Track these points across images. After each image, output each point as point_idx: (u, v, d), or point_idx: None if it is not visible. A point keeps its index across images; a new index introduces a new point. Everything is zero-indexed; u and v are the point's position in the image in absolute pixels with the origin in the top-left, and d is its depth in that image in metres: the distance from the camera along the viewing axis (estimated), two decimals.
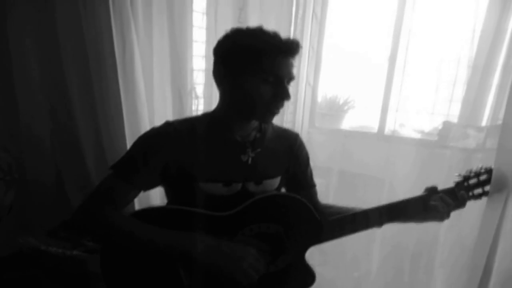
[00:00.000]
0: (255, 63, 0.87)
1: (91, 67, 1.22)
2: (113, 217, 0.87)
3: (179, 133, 0.93)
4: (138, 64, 1.23)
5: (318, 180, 1.18)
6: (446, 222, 0.99)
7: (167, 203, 1.03)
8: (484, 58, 1.63)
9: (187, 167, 0.92)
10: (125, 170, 0.91)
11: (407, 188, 1.11)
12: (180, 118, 1.01)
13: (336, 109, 2.08)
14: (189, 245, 0.85)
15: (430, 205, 0.98)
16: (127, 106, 1.23)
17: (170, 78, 1.44)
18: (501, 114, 1.49)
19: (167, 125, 0.95)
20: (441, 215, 0.97)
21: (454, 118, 1.65)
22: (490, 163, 1.02)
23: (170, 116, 1.41)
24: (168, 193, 1.01)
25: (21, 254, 1.31)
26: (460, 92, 1.65)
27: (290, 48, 0.88)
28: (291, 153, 1.08)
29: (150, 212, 0.94)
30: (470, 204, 1.01)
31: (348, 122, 2.12)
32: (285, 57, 0.89)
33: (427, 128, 1.74)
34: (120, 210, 0.90)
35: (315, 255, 1.06)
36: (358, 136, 1.97)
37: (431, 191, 1.01)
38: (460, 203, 1.00)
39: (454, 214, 1.00)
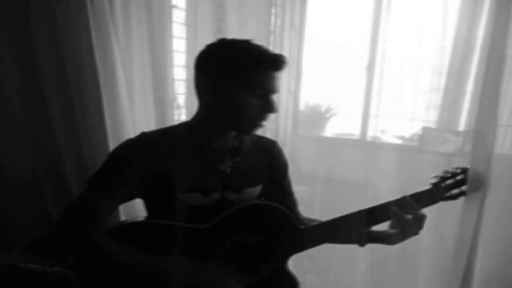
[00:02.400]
0: (244, 77, 0.87)
1: (70, 78, 1.18)
2: (89, 237, 0.84)
3: (155, 143, 0.91)
4: (120, 75, 1.21)
5: (302, 187, 1.18)
6: (428, 223, 0.99)
7: (147, 215, 1.00)
8: (458, 65, 1.69)
9: (164, 178, 0.90)
10: (101, 184, 0.88)
11: (391, 193, 1.12)
12: (156, 129, 0.99)
13: (319, 116, 2.10)
14: (166, 269, 0.85)
15: (391, 209, 0.97)
16: (110, 117, 1.20)
17: (151, 88, 1.42)
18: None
19: (143, 135, 0.93)
20: (406, 224, 0.96)
21: (432, 123, 1.69)
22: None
23: (153, 126, 1.38)
24: (147, 204, 0.98)
25: None
26: (437, 98, 1.70)
27: (279, 62, 0.88)
28: (269, 161, 1.07)
29: (128, 228, 0.91)
30: (449, 205, 1.03)
31: (331, 129, 2.14)
32: (273, 71, 0.89)
33: (407, 133, 1.78)
34: (98, 225, 0.86)
35: (304, 263, 1.06)
36: (341, 142, 2.00)
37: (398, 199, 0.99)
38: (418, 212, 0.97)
39: (434, 216, 1.02)
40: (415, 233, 0.97)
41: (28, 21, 1.15)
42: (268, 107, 0.90)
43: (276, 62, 0.88)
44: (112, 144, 1.18)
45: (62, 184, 1.31)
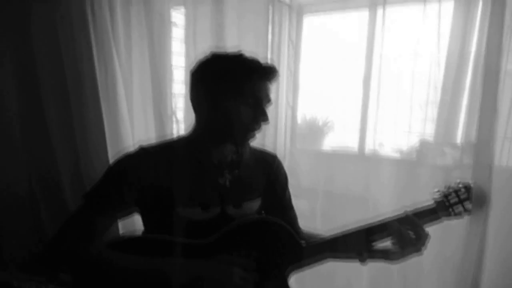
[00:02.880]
0: (236, 87, 0.89)
1: (70, 90, 1.19)
2: (85, 252, 0.83)
3: (152, 157, 0.91)
4: (120, 89, 1.22)
5: (302, 201, 1.18)
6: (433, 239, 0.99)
7: (144, 230, 0.99)
8: (452, 79, 1.72)
9: (162, 193, 0.90)
10: (97, 199, 0.87)
11: (391, 207, 1.12)
12: (154, 142, 0.99)
13: (316, 130, 2.11)
14: (174, 271, 0.83)
15: (393, 227, 0.97)
16: (110, 130, 1.20)
17: (151, 102, 1.43)
18: (473, 132, 1.56)
19: (141, 150, 0.93)
20: (409, 243, 0.96)
21: (429, 137, 1.70)
22: (468, 179, 1.05)
23: (152, 140, 1.39)
24: (144, 220, 0.98)
25: None
26: (433, 111, 1.72)
27: (269, 72, 0.91)
28: (269, 174, 1.08)
29: (126, 243, 0.90)
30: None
31: (328, 143, 2.15)
32: (264, 81, 0.91)
33: (405, 147, 1.79)
34: (95, 241, 0.85)
35: (302, 280, 1.05)
36: (340, 156, 1.99)
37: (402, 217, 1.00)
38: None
39: (438, 231, 1.01)
40: (418, 251, 0.96)
41: (29, 36, 1.17)
42: (260, 117, 0.91)
43: (266, 71, 0.90)
44: (112, 157, 1.18)
45: (58, 198, 1.30)
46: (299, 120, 2.14)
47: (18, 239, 1.35)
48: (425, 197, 1.08)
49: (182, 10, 1.65)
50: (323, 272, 1.04)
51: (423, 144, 1.67)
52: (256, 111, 0.91)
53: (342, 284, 1.55)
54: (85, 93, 1.17)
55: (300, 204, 1.18)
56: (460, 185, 1.03)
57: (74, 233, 0.84)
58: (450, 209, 1.01)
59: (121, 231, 1.20)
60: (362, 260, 1.02)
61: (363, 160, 1.81)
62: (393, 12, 1.74)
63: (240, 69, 0.89)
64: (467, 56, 1.69)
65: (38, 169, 1.30)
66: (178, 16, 1.70)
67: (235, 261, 0.89)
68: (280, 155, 1.91)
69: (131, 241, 0.91)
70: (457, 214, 1.01)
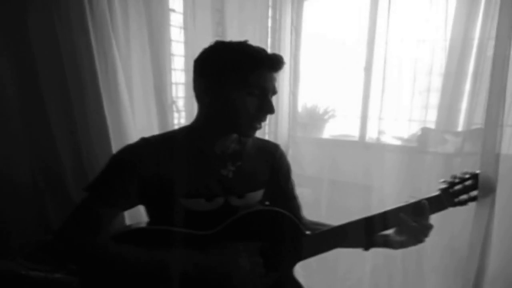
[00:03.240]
0: (242, 77, 0.87)
1: (69, 80, 1.17)
2: (92, 244, 0.82)
3: (155, 149, 0.90)
4: (121, 79, 1.20)
5: (305, 189, 1.17)
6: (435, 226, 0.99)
7: (148, 222, 0.99)
8: (455, 65, 1.70)
9: (166, 184, 0.89)
10: (100, 191, 0.86)
11: (394, 194, 1.12)
12: (157, 134, 0.98)
13: (317, 118, 2.10)
14: (179, 264, 0.82)
15: (399, 217, 0.97)
16: (113, 121, 1.19)
17: (150, 92, 1.41)
18: (475, 119, 1.56)
19: (143, 141, 0.92)
20: (413, 232, 0.96)
21: (431, 124, 1.70)
22: (469, 166, 1.05)
23: (153, 130, 1.37)
24: (148, 211, 0.97)
25: None
26: (435, 99, 1.71)
27: (276, 62, 0.88)
28: (271, 165, 1.07)
29: (131, 234, 0.89)
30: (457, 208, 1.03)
31: (329, 131, 2.14)
32: (270, 72, 0.89)
33: (406, 134, 1.78)
34: (100, 233, 0.84)
35: (307, 266, 1.05)
36: (342, 144, 1.99)
37: (407, 205, 1.00)
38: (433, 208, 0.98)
39: (442, 218, 1.02)
40: (421, 241, 0.97)
41: (27, 27, 1.14)
42: (266, 108, 0.90)
43: (273, 62, 0.88)
44: (114, 147, 1.17)
45: (62, 188, 1.29)
46: (300, 108, 2.13)
47: (24, 229, 1.35)
48: (428, 184, 1.08)
49: None
50: (327, 259, 1.04)
51: (425, 131, 1.67)
52: (261, 102, 0.89)
53: (345, 270, 1.56)
54: (85, 83, 1.15)
55: (303, 193, 1.18)
56: (466, 174, 1.03)
57: (78, 226, 0.83)
58: (455, 198, 1.01)
59: (127, 222, 1.20)
60: (366, 247, 1.04)
61: (364, 148, 1.81)
62: None
63: (246, 59, 0.87)
64: (470, 41, 1.67)
65: (40, 160, 1.29)
66: (176, 2, 1.67)
67: (241, 249, 0.89)
68: (282, 143, 1.92)
69: (136, 233, 0.90)
70: (462, 203, 1.02)
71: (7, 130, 1.22)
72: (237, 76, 0.87)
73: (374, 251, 1.04)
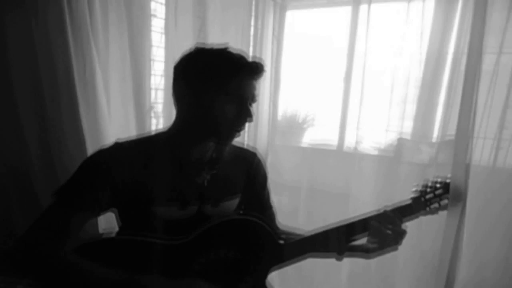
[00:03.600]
0: (221, 83, 0.86)
1: (44, 83, 1.14)
2: (56, 255, 0.78)
3: (128, 153, 0.88)
4: (99, 81, 1.18)
5: (284, 197, 1.17)
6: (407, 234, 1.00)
7: (120, 228, 0.95)
8: (430, 78, 1.75)
9: (138, 190, 0.86)
10: (70, 196, 0.82)
11: (370, 203, 1.14)
12: (131, 138, 0.94)
13: (296, 126, 2.12)
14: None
15: (376, 226, 0.98)
16: (89, 124, 1.16)
17: (129, 96, 1.39)
18: (449, 130, 1.60)
19: (116, 145, 0.89)
20: (386, 239, 0.97)
21: (407, 134, 1.74)
22: (443, 175, 1.07)
23: (130, 135, 1.35)
24: (120, 218, 0.94)
25: None
26: (411, 110, 1.75)
27: (256, 70, 0.88)
28: (247, 173, 1.05)
29: (99, 244, 0.86)
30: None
31: (308, 139, 2.16)
32: (250, 79, 0.88)
33: (383, 144, 1.81)
34: (67, 240, 0.80)
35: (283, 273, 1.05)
36: (320, 152, 2.00)
37: (380, 214, 1.01)
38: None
39: (414, 227, 1.03)
40: (394, 247, 0.98)
41: (3, 25, 1.11)
42: (244, 115, 0.89)
43: (253, 69, 0.87)
44: (91, 151, 1.15)
45: (31, 192, 1.25)
46: (280, 116, 2.14)
47: None
48: (403, 193, 1.10)
49: (163, 0, 1.61)
50: (303, 268, 1.04)
51: (401, 141, 1.70)
52: (241, 110, 0.88)
53: (321, 279, 1.57)
54: (60, 84, 1.12)
55: (281, 201, 1.18)
56: (437, 182, 1.05)
57: (43, 234, 0.78)
58: (426, 206, 1.03)
59: (101, 227, 1.16)
60: (340, 256, 1.03)
61: (342, 156, 1.83)
62: (375, 9, 1.74)
63: (226, 65, 0.86)
64: (445, 55, 1.73)
65: (8, 160, 1.25)
66: (158, 7, 1.66)
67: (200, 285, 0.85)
68: (261, 150, 1.92)
69: (104, 242, 0.87)
70: (433, 210, 1.04)
71: None
72: (217, 82, 0.85)
73: (349, 260, 1.05)
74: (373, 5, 1.73)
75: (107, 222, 1.17)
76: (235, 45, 1.81)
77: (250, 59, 0.89)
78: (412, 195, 1.04)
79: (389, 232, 0.97)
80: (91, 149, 1.15)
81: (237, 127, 0.90)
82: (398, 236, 0.98)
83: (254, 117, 0.92)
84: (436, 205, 1.03)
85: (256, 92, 0.91)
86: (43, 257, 0.77)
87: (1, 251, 1.22)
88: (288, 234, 1.09)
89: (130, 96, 1.39)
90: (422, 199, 1.03)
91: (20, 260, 0.79)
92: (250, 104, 0.91)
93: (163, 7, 1.64)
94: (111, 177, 0.84)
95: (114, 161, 0.85)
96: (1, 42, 1.13)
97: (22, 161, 1.24)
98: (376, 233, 0.98)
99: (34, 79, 1.15)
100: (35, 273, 0.80)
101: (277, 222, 1.14)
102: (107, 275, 0.79)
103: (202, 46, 0.92)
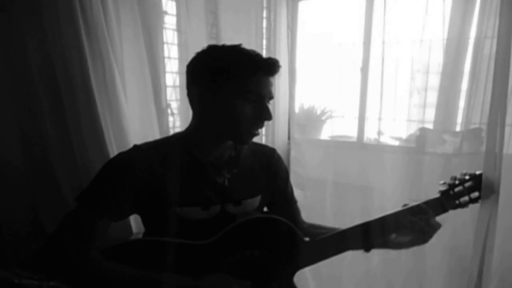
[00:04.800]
0: (237, 83, 0.84)
1: (62, 87, 1.16)
2: (82, 258, 0.79)
3: (148, 156, 0.87)
4: (119, 83, 1.18)
5: (308, 192, 1.16)
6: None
7: (144, 232, 0.96)
8: (452, 64, 1.69)
9: (160, 193, 0.86)
10: (92, 201, 0.82)
11: (394, 196, 1.11)
12: (149, 141, 0.94)
13: (314, 119, 2.09)
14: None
15: (411, 220, 0.95)
16: (113, 126, 1.18)
17: (145, 95, 1.39)
18: (474, 118, 1.55)
19: (135, 148, 0.89)
20: (420, 233, 0.95)
21: (429, 124, 1.69)
22: (468, 166, 1.03)
23: (147, 134, 1.35)
24: (144, 221, 0.94)
25: None
26: (432, 98, 1.70)
27: (272, 67, 0.86)
28: (269, 170, 1.04)
29: (127, 246, 0.86)
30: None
31: (327, 132, 2.12)
32: (266, 76, 0.86)
33: (404, 135, 1.77)
34: (91, 245, 0.81)
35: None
36: (341, 145, 1.97)
37: (412, 207, 0.98)
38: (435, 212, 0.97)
39: (442, 220, 1.00)
40: (425, 241, 0.96)
41: (21, 32, 1.12)
42: (263, 114, 0.87)
43: (269, 66, 0.85)
44: (116, 151, 1.16)
45: (55, 193, 1.27)
46: (297, 109, 2.11)
47: (17, 235, 1.32)
48: (428, 185, 1.07)
49: None
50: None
51: (423, 131, 1.65)
52: (258, 108, 0.86)
53: (346, 265, 1.53)
54: (76, 87, 1.13)
55: (306, 195, 1.16)
56: (466, 174, 1.01)
57: (68, 238, 0.79)
58: (456, 199, 1.00)
59: (135, 229, 1.18)
60: (367, 250, 1.00)
61: (363, 148, 1.79)
62: None
63: (242, 64, 0.84)
64: (466, 39, 1.67)
65: (34, 161, 1.28)
66: (169, 3, 1.65)
67: (232, 282, 0.84)
68: (279, 145, 1.90)
69: (130, 244, 0.88)
70: (463, 204, 1.00)
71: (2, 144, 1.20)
72: (233, 82, 0.84)
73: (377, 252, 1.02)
74: None
75: (138, 227, 1.18)
76: (248, 39, 1.80)
77: (264, 56, 0.87)
78: (440, 188, 1.01)
79: (424, 225, 0.94)
80: (117, 150, 1.16)
81: (256, 127, 0.89)
82: (431, 229, 0.95)
83: (272, 115, 0.90)
84: (466, 198, 0.99)
85: (272, 88, 0.90)
86: (70, 260, 0.78)
87: (33, 250, 1.24)
88: (314, 228, 1.08)
89: (146, 95, 1.39)
90: (451, 192, 0.99)
91: (48, 262, 0.80)
92: (268, 102, 0.89)
93: (174, 4, 1.64)
94: (131, 180, 0.84)
95: (134, 164, 0.85)
96: (19, 46, 1.15)
97: (46, 161, 1.26)
98: (409, 227, 0.95)
99: (51, 81, 1.16)
100: (63, 275, 0.81)
101: (301, 217, 1.12)
102: (136, 275, 0.79)
103: (214, 44, 0.91)
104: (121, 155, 0.88)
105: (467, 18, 1.66)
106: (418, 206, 0.97)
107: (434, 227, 0.95)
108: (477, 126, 1.54)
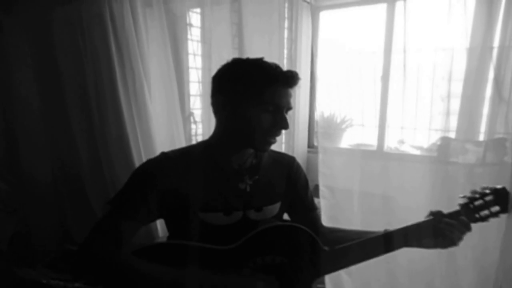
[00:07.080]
0: (257, 93, 0.89)
1: (91, 95, 1.22)
2: (116, 258, 0.84)
3: (174, 163, 0.93)
4: (147, 93, 1.24)
5: (331, 200, 1.17)
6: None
7: (169, 236, 1.00)
8: (474, 72, 1.67)
9: (185, 198, 0.91)
10: (122, 205, 0.89)
11: (415, 205, 1.10)
12: (176, 148, 1.01)
13: (334, 127, 2.09)
14: (197, 284, 0.83)
15: (438, 229, 0.96)
16: (142, 134, 1.24)
17: (169, 104, 1.44)
18: (497, 128, 1.52)
19: (163, 155, 0.95)
20: (449, 240, 0.96)
21: (451, 133, 1.66)
22: (491, 177, 1.03)
23: (172, 142, 1.40)
24: (168, 225, 0.99)
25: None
26: (455, 105, 1.68)
27: (290, 79, 0.91)
28: (288, 178, 1.08)
29: (152, 249, 0.91)
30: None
31: (347, 141, 2.12)
32: (285, 88, 0.91)
33: (426, 144, 1.75)
34: (122, 246, 0.86)
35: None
36: (363, 154, 1.96)
37: (437, 215, 0.99)
38: (464, 227, 0.98)
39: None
40: (455, 243, 0.97)
41: (53, 43, 1.19)
42: (280, 123, 0.92)
43: (287, 78, 0.90)
44: (145, 159, 1.21)
45: (83, 203, 1.33)
46: (317, 117, 2.12)
47: (46, 237, 1.39)
48: (450, 195, 1.07)
49: (199, 10, 1.65)
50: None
51: (445, 140, 1.63)
52: (276, 118, 0.91)
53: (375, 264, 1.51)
54: (104, 96, 1.19)
55: (333, 204, 1.17)
56: (487, 191, 1.01)
57: (102, 240, 0.85)
58: (476, 213, 0.99)
59: (161, 234, 1.22)
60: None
61: (384, 157, 1.78)
62: (412, 5, 1.69)
63: (261, 76, 0.89)
64: (490, 47, 1.64)
65: (61, 166, 1.34)
66: (194, 16, 1.70)
67: (258, 278, 0.89)
68: (299, 153, 1.91)
69: (155, 247, 0.92)
70: (484, 218, 1.00)
71: (31, 137, 1.27)
72: (252, 92, 0.89)
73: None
74: (408, 1, 1.67)
75: (163, 231, 1.22)
76: (269, 48, 1.83)
77: (283, 69, 0.92)
78: (460, 202, 1.01)
79: (456, 230, 0.95)
80: (145, 157, 1.21)
81: (273, 136, 0.94)
82: (465, 229, 0.97)
83: (290, 123, 0.94)
84: (486, 212, 0.99)
85: (292, 100, 0.93)
86: (103, 261, 0.83)
87: (62, 252, 1.31)
88: (334, 232, 1.11)
89: (174, 104, 1.44)
90: (471, 205, 0.99)
91: (82, 263, 0.85)
92: (286, 112, 0.93)
93: (199, 16, 1.69)
94: (159, 186, 0.89)
95: (161, 170, 0.91)
96: (51, 57, 1.21)
97: (74, 167, 1.32)
98: (437, 234, 0.96)
99: (82, 94, 1.22)
100: (95, 275, 0.86)
101: (321, 223, 1.14)
102: (165, 273, 0.83)
103: (238, 58, 0.96)
104: (149, 162, 0.94)
105: (491, 26, 1.63)
106: (458, 211, 0.99)
107: (468, 228, 0.97)
108: (501, 135, 1.52)
